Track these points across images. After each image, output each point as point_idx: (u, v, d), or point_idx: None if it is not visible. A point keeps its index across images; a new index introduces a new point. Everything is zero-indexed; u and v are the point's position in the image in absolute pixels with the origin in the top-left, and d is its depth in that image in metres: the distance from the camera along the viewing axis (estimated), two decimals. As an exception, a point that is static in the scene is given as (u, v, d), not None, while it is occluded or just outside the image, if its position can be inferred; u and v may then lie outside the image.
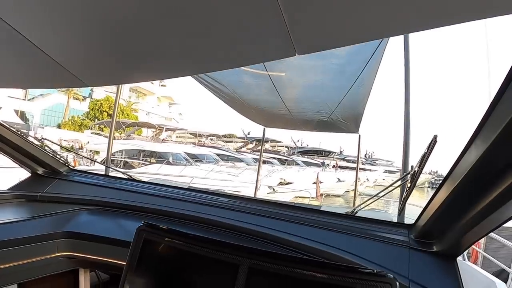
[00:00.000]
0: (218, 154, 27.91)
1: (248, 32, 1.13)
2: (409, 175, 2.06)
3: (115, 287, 2.73)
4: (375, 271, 1.34)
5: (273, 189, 18.74)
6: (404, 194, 2.19)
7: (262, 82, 6.36)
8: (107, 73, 1.79)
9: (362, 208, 2.49)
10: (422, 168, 1.89)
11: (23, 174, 3.12)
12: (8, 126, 2.65)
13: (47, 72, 1.71)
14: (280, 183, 20.76)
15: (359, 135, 8.67)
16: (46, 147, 3.04)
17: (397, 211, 2.63)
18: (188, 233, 1.69)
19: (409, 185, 2.06)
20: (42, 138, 3.15)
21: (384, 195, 2.51)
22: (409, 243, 1.96)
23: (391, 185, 2.41)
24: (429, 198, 1.71)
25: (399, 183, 2.42)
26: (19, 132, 2.71)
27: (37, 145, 2.88)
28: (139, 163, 21.39)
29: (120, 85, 6.84)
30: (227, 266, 1.53)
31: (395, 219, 2.62)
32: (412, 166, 2.05)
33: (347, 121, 7.59)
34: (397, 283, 1.32)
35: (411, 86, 5.22)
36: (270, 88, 6.41)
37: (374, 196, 2.54)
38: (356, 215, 2.41)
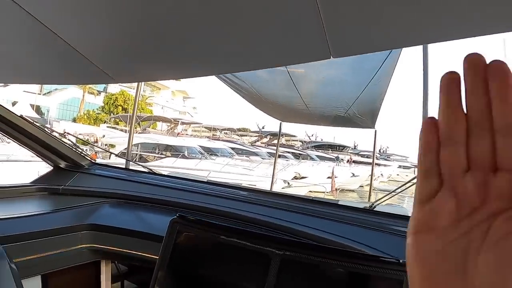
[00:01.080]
0: (233, 148, 27.88)
1: (285, 33, 1.14)
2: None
3: (134, 278, 2.78)
4: (400, 261, 1.36)
5: (288, 183, 18.72)
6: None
7: (280, 77, 6.35)
8: (135, 70, 1.83)
9: (381, 203, 2.50)
10: None
11: (41, 167, 3.16)
12: (31, 121, 2.69)
13: (78, 69, 1.75)
14: (295, 177, 20.71)
15: (375, 131, 8.61)
16: (67, 141, 3.08)
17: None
18: (221, 225, 1.72)
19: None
20: (65, 132, 3.21)
21: (403, 190, 2.52)
22: None
23: (410, 181, 2.42)
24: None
25: (414, 180, 2.43)
26: (42, 127, 2.76)
27: (59, 139, 2.93)
28: (155, 156, 21.52)
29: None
30: (260, 257, 1.55)
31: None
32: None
33: (364, 116, 7.55)
34: None
35: (429, 82, 5.16)
36: (288, 83, 6.40)
37: (393, 191, 2.55)
38: (374, 209, 2.43)
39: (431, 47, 5.62)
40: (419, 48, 5.44)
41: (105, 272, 2.54)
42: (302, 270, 1.50)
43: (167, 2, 1.09)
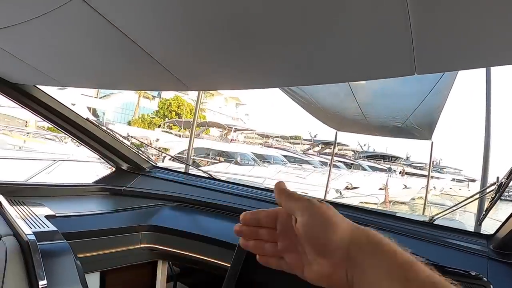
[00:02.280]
0: (285, 156, 27.85)
1: (372, 48, 1.14)
2: (494, 186, 2.02)
3: (185, 280, 2.83)
4: (473, 273, 1.34)
5: (340, 193, 18.52)
6: (487, 205, 2.15)
7: (339, 87, 6.33)
8: (209, 79, 1.89)
9: (441, 216, 2.46)
10: (510, 180, 1.86)
11: (98, 168, 3.26)
12: (97, 124, 2.80)
13: (152, 75, 1.82)
14: (346, 187, 20.47)
15: (432, 142, 8.40)
16: (131, 144, 3.19)
17: (476, 221, 2.58)
18: None
19: (493, 195, 2.03)
20: (128, 135, 3.30)
21: (466, 204, 2.47)
22: (488, 253, 1.93)
23: (472, 196, 2.37)
24: (495, 209, 1.69)
25: (479, 195, 2.38)
26: (107, 130, 2.86)
27: (124, 142, 3.03)
28: (207, 161, 21.80)
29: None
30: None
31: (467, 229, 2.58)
32: (498, 178, 2.01)
33: (421, 127, 7.36)
34: (491, 286, 1.30)
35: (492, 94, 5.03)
36: (347, 93, 6.40)
37: (455, 205, 2.50)
38: (434, 223, 2.39)
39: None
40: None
41: (162, 272, 2.60)
42: None
43: (249, 13, 1.10)
